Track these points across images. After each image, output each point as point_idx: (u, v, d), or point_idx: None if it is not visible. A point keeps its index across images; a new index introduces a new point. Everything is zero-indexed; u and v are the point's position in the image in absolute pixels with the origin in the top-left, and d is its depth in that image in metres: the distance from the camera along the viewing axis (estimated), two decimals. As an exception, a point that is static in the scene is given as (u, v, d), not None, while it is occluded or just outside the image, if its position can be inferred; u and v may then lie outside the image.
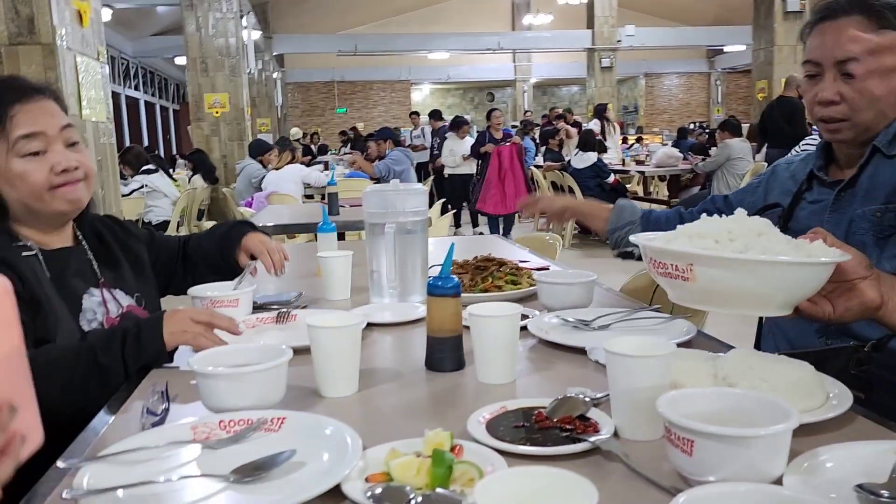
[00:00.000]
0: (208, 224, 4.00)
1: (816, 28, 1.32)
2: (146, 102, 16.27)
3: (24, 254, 1.33)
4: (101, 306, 1.43)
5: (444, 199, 6.11)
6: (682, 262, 0.93)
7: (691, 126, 15.29)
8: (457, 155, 8.85)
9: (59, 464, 0.84)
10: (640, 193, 10.21)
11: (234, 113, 9.15)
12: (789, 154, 1.54)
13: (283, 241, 4.58)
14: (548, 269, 1.89)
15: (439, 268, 1.24)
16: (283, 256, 1.72)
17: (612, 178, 7.88)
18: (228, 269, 1.70)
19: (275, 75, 16.97)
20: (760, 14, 10.40)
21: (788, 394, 0.94)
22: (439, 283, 1.20)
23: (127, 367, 1.18)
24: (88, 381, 1.16)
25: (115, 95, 14.23)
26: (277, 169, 6.77)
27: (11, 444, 0.62)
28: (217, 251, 1.74)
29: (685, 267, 0.93)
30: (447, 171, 9.14)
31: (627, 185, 9.22)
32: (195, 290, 1.54)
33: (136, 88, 15.60)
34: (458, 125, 9.05)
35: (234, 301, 1.52)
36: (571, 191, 7.93)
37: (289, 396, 1.10)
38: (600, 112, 10.81)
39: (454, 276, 1.22)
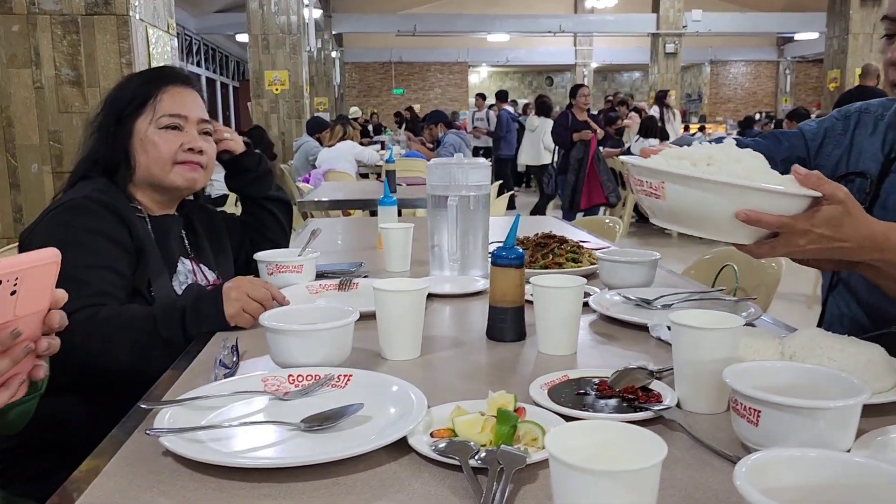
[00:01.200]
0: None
1: None
2: (207, 79, 16.61)
3: (137, 214, 1.47)
4: (192, 275, 1.55)
5: (500, 181, 6.07)
6: (654, 180, 0.94)
7: (757, 116, 14.83)
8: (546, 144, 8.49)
9: (142, 405, 0.89)
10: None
11: (293, 90, 9.28)
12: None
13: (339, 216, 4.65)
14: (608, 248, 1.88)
15: (500, 244, 1.25)
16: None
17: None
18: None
19: (333, 54, 17.11)
20: (835, 0, 9.98)
21: (857, 374, 0.92)
22: (503, 253, 1.21)
23: (189, 338, 1.23)
24: (151, 349, 1.22)
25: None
26: (331, 146, 6.83)
27: (14, 378, 0.71)
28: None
29: (657, 184, 0.94)
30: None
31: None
32: (261, 256, 1.59)
33: (198, 65, 15.94)
34: (549, 108, 8.66)
35: (298, 267, 1.57)
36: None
37: (353, 358, 1.13)
38: (660, 98, 10.58)
39: (518, 248, 1.22)
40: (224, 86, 18.36)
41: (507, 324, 1.22)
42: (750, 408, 0.75)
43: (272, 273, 1.56)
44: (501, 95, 11.50)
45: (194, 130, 1.53)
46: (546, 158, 8.82)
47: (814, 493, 0.58)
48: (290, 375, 0.99)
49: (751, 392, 0.74)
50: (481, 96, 13.42)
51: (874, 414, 0.87)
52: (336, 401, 0.90)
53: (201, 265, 1.60)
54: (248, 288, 1.28)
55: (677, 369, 0.93)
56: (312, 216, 4.83)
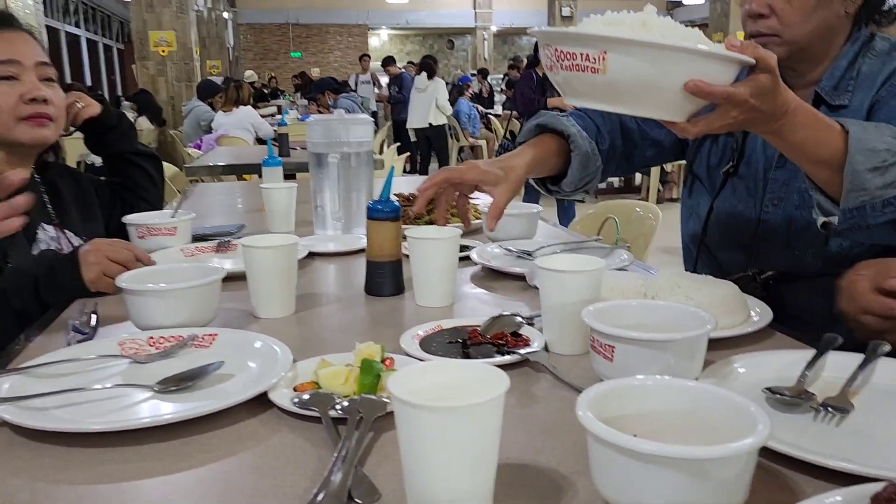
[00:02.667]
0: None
1: None
2: (88, 40, 15.53)
3: None
4: (55, 242, 1.45)
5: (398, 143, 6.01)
6: (594, 50, 0.83)
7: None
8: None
9: (-23, 376, 0.82)
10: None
11: (182, 52, 8.83)
12: None
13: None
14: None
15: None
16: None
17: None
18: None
19: (225, 15, 16.35)
20: (718, -35, 10.39)
21: (713, 311, 0.96)
22: (379, 206, 1.19)
23: (45, 307, 1.15)
24: (3, 322, 1.13)
25: (54, 32, 13.54)
26: (226, 111, 6.53)
27: None
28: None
29: (597, 55, 0.83)
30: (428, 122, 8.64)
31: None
32: (131, 218, 1.50)
33: (77, 25, 14.86)
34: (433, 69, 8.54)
35: (171, 229, 1.49)
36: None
37: (224, 318, 1.09)
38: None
39: (394, 201, 1.21)
40: (107, 48, 17.22)
41: (385, 278, 1.20)
42: (605, 344, 0.77)
43: (143, 236, 1.48)
44: (388, 61, 11.26)
45: (33, 77, 1.39)
46: (440, 119, 8.75)
47: (655, 418, 0.60)
48: (150, 337, 0.94)
49: (604, 329, 0.76)
50: (367, 56, 12.91)
51: (726, 347, 0.92)
52: (198, 361, 0.86)
53: (66, 231, 1.50)
54: (108, 250, 1.21)
55: (544, 313, 0.94)
56: (203, 182, 4.64)
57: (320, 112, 7.51)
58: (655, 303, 0.88)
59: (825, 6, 1.14)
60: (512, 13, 20.28)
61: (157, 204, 1.80)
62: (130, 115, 9.44)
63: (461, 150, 10.53)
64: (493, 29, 20.86)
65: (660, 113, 0.90)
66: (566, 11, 14.73)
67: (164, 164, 3.96)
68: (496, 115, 10.24)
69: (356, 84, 11.80)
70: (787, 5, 1.13)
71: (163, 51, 8.80)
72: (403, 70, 10.90)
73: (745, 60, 0.86)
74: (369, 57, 12.80)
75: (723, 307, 0.98)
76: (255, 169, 4.17)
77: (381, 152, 7.03)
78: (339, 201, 1.63)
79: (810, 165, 0.96)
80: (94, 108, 1.66)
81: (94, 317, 1.06)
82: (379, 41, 22.64)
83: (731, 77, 0.87)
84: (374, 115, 10.70)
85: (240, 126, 6.32)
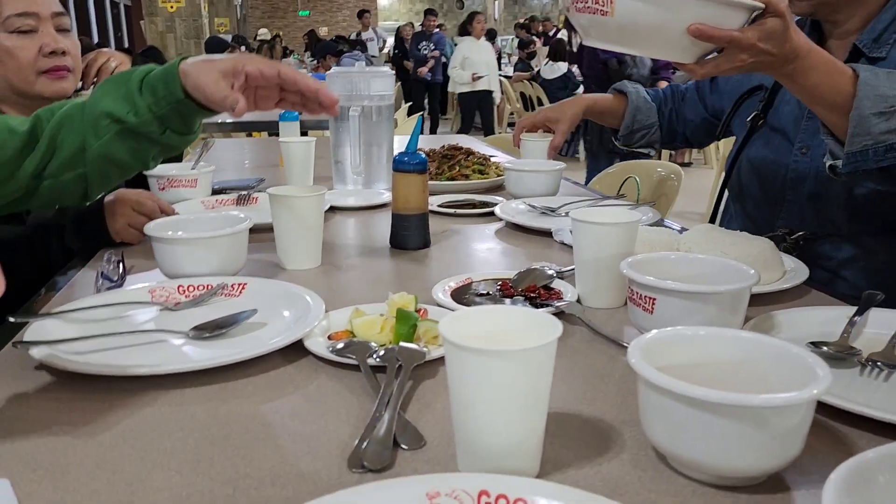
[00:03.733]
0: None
1: None
2: (96, -4, 15.34)
3: None
4: None
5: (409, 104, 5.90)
6: None
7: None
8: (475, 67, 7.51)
9: (11, 318, 0.81)
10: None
11: (190, 8, 8.74)
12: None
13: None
14: (515, 161, 1.87)
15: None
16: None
17: (581, 90, 7.78)
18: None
19: (233, -29, 16.08)
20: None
21: (751, 265, 0.95)
22: (405, 158, 1.17)
23: (69, 256, 1.14)
24: (31, 272, 1.12)
25: (62, -13, 13.37)
26: None
27: None
28: None
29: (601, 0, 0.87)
30: (456, 90, 7.87)
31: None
32: (151, 170, 1.48)
33: (84, -20, 14.66)
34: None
35: (192, 181, 1.48)
36: (541, 102, 7.83)
37: (250, 269, 1.08)
38: (568, 22, 10.55)
39: (421, 153, 1.19)
40: (114, 4, 16.98)
41: (412, 231, 1.19)
42: (645, 296, 0.75)
43: (164, 188, 1.47)
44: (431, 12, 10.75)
45: (50, 28, 1.36)
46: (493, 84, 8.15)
47: (706, 368, 0.59)
48: (179, 286, 0.93)
49: (645, 280, 0.74)
50: (366, 12, 12.26)
51: (764, 303, 0.90)
52: (230, 309, 0.86)
53: None
54: (133, 201, 1.19)
55: (578, 266, 0.93)
56: (214, 137, 4.61)
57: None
58: (695, 255, 0.86)
59: None
60: (524, -28, 19.85)
61: (177, 155, 1.78)
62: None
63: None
64: (505, -12, 20.47)
65: (667, 54, 0.91)
66: (580, -30, 14.41)
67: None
68: (507, 77, 10.10)
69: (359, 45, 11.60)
70: None
71: (171, 7, 8.71)
72: (438, 29, 10.64)
73: (752, 5, 0.86)
74: (369, 13, 12.32)
75: (759, 263, 0.96)
76: (264, 126, 4.13)
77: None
78: (360, 156, 1.60)
79: (822, 109, 0.96)
80: (127, 64, 1.64)
81: (121, 265, 1.05)
82: (388, 0, 22.26)
83: (741, 21, 0.87)
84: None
85: None
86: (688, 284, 0.73)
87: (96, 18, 15.22)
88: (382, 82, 1.63)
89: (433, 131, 8.85)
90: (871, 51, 1.13)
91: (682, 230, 1.28)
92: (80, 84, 1.63)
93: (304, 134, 3.04)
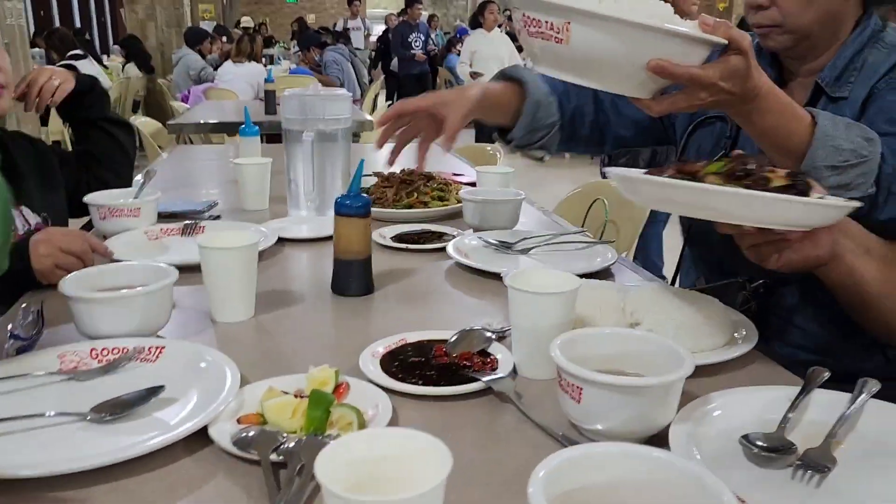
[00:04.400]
0: (144, 119, 3.76)
1: None
2: (78, -21, 15.06)
3: None
4: None
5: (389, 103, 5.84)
6: (558, 20, 0.82)
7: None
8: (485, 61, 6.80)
9: None
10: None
11: (172, -4, 8.57)
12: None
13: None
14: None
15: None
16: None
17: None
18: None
19: (219, -44, 15.85)
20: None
21: (694, 332, 0.91)
22: (347, 201, 1.11)
23: None
24: None
25: (42, -29, 13.12)
26: (237, 62, 6.21)
27: None
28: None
29: (561, 25, 0.82)
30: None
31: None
32: (93, 198, 1.43)
33: (66, -37, 14.39)
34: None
35: (135, 210, 1.42)
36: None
37: (180, 319, 1.04)
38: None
39: (364, 195, 1.14)
40: (97, -12, 16.72)
41: (353, 278, 1.14)
42: (573, 384, 0.71)
43: (105, 217, 1.41)
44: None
45: None
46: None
47: (615, 491, 0.54)
48: (92, 349, 0.88)
49: (573, 369, 0.70)
50: (357, 0, 11.74)
51: (707, 374, 0.86)
52: (141, 379, 0.81)
53: (22, 208, 1.43)
54: (61, 240, 1.14)
55: (514, 334, 0.88)
56: (191, 141, 4.51)
57: (312, 67, 7.27)
58: (630, 332, 0.81)
59: None
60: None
61: (126, 177, 1.73)
62: (118, 62, 9.21)
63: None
64: (495, -23, 20.32)
65: (623, 88, 0.87)
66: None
67: (149, 119, 3.85)
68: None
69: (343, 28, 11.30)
70: None
71: (151, -6, 8.54)
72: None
73: (717, 41, 0.82)
74: (359, 1, 11.88)
75: (705, 328, 0.92)
76: (234, 128, 4.04)
77: (372, 110, 6.88)
78: (314, 182, 1.55)
79: (776, 152, 0.93)
80: (70, 82, 1.59)
81: (40, 318, 1.00)
82: (377, -13, 22.05)
83: (702, 57, 0.84)
84: (371, 63, 10.38)
85: (247, 80, 6.08)
86: (616, 377, 0.69)
87: (79, 4, 14.97)
88: (338, 105, 1.57)
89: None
90: (832, 90, 1.09)
91: (640, 273, 1.24)
92: (38, 109, 1.57)
93: (276, 138, 2.98)
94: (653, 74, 0.82)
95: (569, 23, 0.81)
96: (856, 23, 1.11)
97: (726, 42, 0.83)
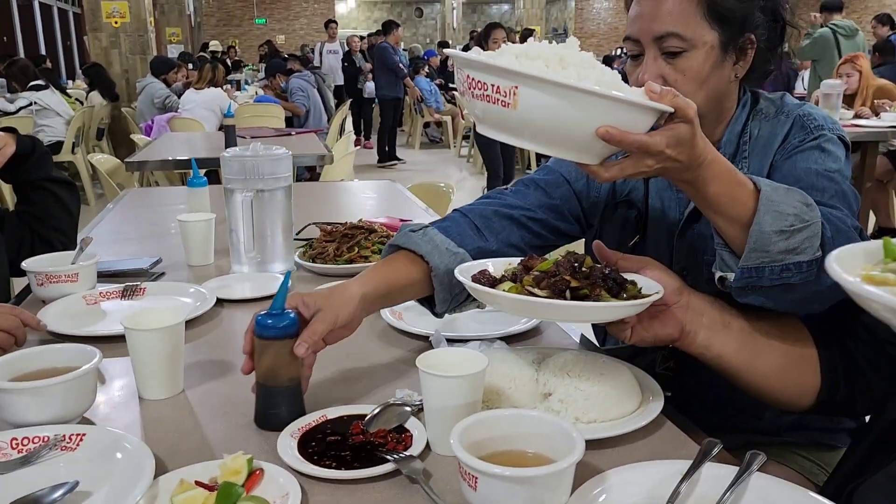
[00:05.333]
0: (102, 156, 3.75)
1: None
2: (42, 5, 14.95)
3: None
4: None
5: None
6: (505, 83, 0.80)
7: (617, 52, 15.28)
8: None
9: None
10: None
11: (136, 24, 8.54)
12: None
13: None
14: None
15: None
16: None
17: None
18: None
19: (186, -20, 15.83)
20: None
21: (602, 402, 0.95)
22: (269, 321, 0.94)
23: None
24: None
25: (5, -4, 13.01)
26: (198, 88, 6.20)
27: None
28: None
29: (509, 89, 0.80)
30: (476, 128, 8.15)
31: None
32: (30, 264, 1.44)
33: (30, -11, 14.29)
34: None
35: (73, 276, 1.43)
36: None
37: (109, 395, 1.06)
38: (525, 38, 10.61)
39: (290, 311, 0.96)
40: (62, 12, 16.59)
41: (282, 408, 0.96)
42: (469, 473, 0.74)
43: (42, 284, 1.42)
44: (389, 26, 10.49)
45: None
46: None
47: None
48: (13, 439, 0.89)
49: (468, 460, 0.73)
50: (333, 22, 11.78)
51: (612, 445, 0.90)
52: (60, 471, 0.83)
53: None
54: None
55: (426, 411, 0.91)
56: (156, 181, 4.50)
57: (278, 94, 7.27)
58: (529, 413, 0.85)
59: (717, 74, 1.10)
60: (481, -19, 19.97)
61: (70, 235, 1.74)
62: (82, 90, 9.14)
63: (426, 125, 10.43)
64: (462, -3, 20.57)
65: (571, 154, 0.87)
66: (535, -17, 14.55)
67: (107, 156, 3.84)
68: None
69: (321, 55, 11.14)
70: (681, 76, 1.08)
71: (115, 22, 8.51)
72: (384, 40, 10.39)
73: (663, 109, 0.84)
74: (336, 23, 11.82)
75: (614, 397, 0.96)
76: (211, 163, 4.01)
77: (340, 134, 6.90)
78: (254, 241, 1.57)
79: (721, 219, 0.94)
80: (11, 146, 1.59)
81: (-36, 402, 1.01)
82: (346, 8, 22.20)
83: (648, 124, 0.85)
84: (339, 89, 10.38)
85: (207, 107, 6.09)
86: (506, 469, 0.72)
87: (43, 29, 14.85)
88: (279, 165, 1.60)
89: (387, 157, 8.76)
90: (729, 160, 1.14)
91: (566, 335, 1.27)
92: None
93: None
94: (601, 141, 0.82)
95: (516, 87, 0.79)
96: (737, 98, 1.17)
97: (672, 110, 0.84)
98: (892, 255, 0.56)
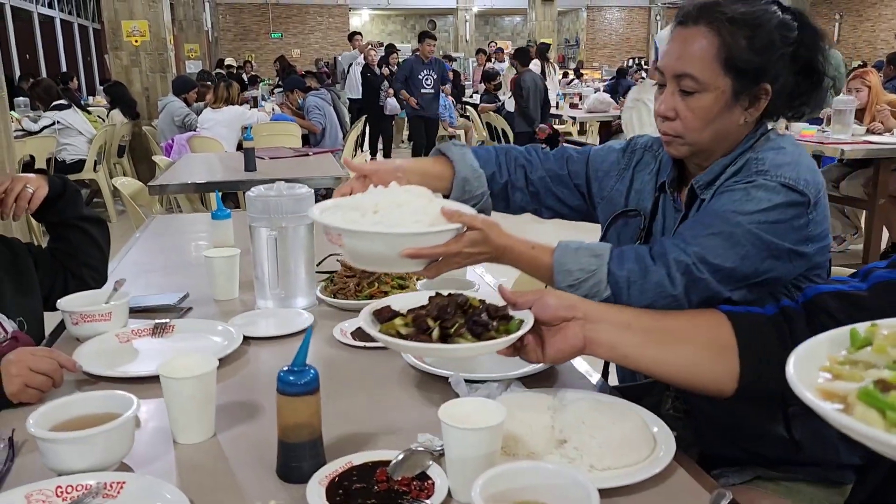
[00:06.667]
0: (125, 180, 3.83)
1: (674, 32, 1.24)
2: (63, 21, 15.23)
3: None
4: None
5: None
6: (334, 232, 1.09)
7: (629, 63, 15.30)
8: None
9: None
10: (575, 135, 10.29)
11: (156, 42, 8.67)
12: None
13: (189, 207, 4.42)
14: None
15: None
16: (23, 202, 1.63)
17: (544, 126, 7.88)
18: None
19: (203, -4, 16.09)
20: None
21: (615, 449, 0.99)
22: (290, 377, 0.97)
23: None
24: None
25: (27, 14, 13.28)
26: (215, 108, 6.31)
27: None
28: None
29: (336, 236, 1.09)
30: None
31: (562, 127, 9.25)
32: (64, 304, 1.50)
33: (51, 6, 14.57)
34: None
35: (106, 315, 1.49)
36: (505, 133, 7.92)
37: (145, 439, 1.11)
38: (542, 53, 10.65)
39: (311, 367, 0.99)
40: (83, 28, 16.90)
41: (304, 461, 0.99)
42: (489, 527, 0.78)
43: (77, 323, 1.48)
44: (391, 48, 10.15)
45: None
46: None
47: None
48: (58, 487, 0.94)
49: (488, 515, 0.78)
50: (358, 34, 11.42)
51: (625, 493, 0.94)
52: (102, 518, 0.88)
53: None
54: (31, 360, 1.21)
55: (447, 460, 0.96)
56: (178, 206, 4.58)
57: (294, 110, 7.32)
58: (546, 466, 0.89)
59: (725, 116, 1.19)
60: (494, -7, 20.09)
61: (101, 270, 1.79)
62: (103, 106, 9.30)
63: (440, 139, 10.50)
64: (475, 9, 20.68)
65: (397, 269, 1.18)
66: (548, -5, 14.62)
67: (129, 179, 3.93)
68: (473, 105, 10.17)
69: (348, 69, 10.80)
70: (690, 113, 1.19)
71: (136, 41, 8.65)
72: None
73: (455, 229, 1.10)
74: (360, 35, 11.44)
75: (626, 445, 1.00)
76: (227, 186, 4.09)
77: (355, 150, 6.98)
78: (277, 278, 1.63)
79: (540, 280, 1.25)
80: (44, 188, 1.65)
81: (10, 447, 1.07)
82: (360, 21, 22.38)
83: (451, 235, 1.11)
84: (354, 103, 10.29)
85: (226, 125, 6.20)
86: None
87: (64, 45, 15.13)
88: (302, 203, 1.65)
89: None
90: (701, 192, 1.24)
91: (579, 376, 1.31)
92: (14, 217, 1.63)
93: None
94: (405, 260, 1.07)
95: (340, 235, 1.08)
96: (749, 135, 1.24)
97: (463, 227, 1.11)
98: (857, 344, 0.58)
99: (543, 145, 1.53)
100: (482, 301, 1.10)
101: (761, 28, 1.16)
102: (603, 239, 1.43)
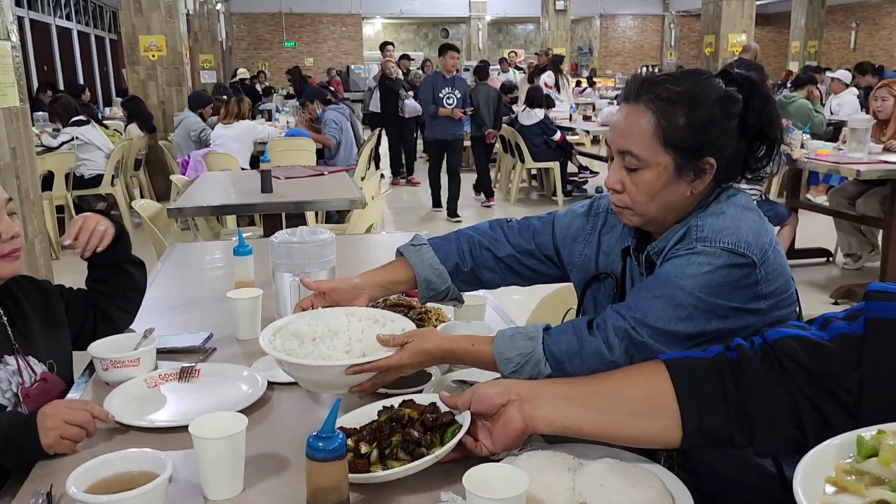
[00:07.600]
0: (143, 202, 3.89)
1: (620, 107, 1.28)
2: (80, 33, 15.43)
3: None
4: (16, 375, 1.48)
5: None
6: (282, 365, 1.30)
7: (642, 71, 15.28)
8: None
9: None
10: (588, 146, 10.29)
11: (172, 56, 8.79)
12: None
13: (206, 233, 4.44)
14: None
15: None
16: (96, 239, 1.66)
17: (558, 136, 7.91)
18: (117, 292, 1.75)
19: (218, 6, 16.24)
20: (712, -37, 10.31)
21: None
22: (319, 444, 0.98)
23: (5, 470, 1.19)
24: None
25: (45, 26, 13.45)
26: (226, 123, 6.38)
27: None
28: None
29: (287, 369, 1.31)
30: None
31: (575, 139, 9.26)
32: (95, 349, 1.54)
33: (68, 18, 14.76)
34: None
35: (135, 360, 1.53)
36: (519, 147, 7.95)
37: (176, 496, 1.14)
38: (556, 64, 10.68)
39: (339, 434, 1.01)
40: (99, 39, 17.10)
41: None
42: None
43: (107, 369, 1.52)
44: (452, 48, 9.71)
45: (4, 215, 1.46)
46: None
47: None
48: (94, 546, 0.98)
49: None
50: (390, 44, 10.30)
51: (643, 559, 0.97)
52: (140, 582, 0.91)
53: (28, 357, 1.53)
54: (65, 413, 1.25)
55: (471, 524, 0.99)
56: (197, 229, 4.62)
57: (310, 120, 7.34)
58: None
59: (670, 189, 1.23)
60: (506, 2, 20.15)
61: (134, 313, 1.80)
62: (119, 119, 9.41)
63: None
64: (488, 18, 20.74)
65: (341, 390, 1.30)
66: (560, 5, 14.64)
67: (148, 202, 3.98)
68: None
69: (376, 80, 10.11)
70: (635, 187, 1.24)
71: (153, 56, 8.77)
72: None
73: (393, 350, 1.26)
74: (392, 45, 10.45)
75: (645, 508, 1.03)
76: (243, 209, 4.12)
77: (368, 165, 7.01)
78: (301, 321, 1.66)
79: (487, 370, 1.32)
80: (112, 229, 1.68)
81: (48, 502, 1.10)
82: (373, 30, 22.51)
83: (391, 351, 1.26)
84: (369, 115, 10.20)
85: (238, 140, 6.28)
86: None
87: (81, 56, 15.30)
88: (324, 249, 1.69)
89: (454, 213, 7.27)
90: (655, 258, 1.28)
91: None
92: (85, 253, 1.66)
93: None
94: (334, 385, 1.27)
95: (280, 362, 1.27)
96: (700, 203, 1.27)
97: (400, 346, 1.26)
98: (863, 453, 0.60)
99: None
100: (422, 412, 1.19)
101: (699, 106, 1.20)
102: (580, 302, 1.48)
